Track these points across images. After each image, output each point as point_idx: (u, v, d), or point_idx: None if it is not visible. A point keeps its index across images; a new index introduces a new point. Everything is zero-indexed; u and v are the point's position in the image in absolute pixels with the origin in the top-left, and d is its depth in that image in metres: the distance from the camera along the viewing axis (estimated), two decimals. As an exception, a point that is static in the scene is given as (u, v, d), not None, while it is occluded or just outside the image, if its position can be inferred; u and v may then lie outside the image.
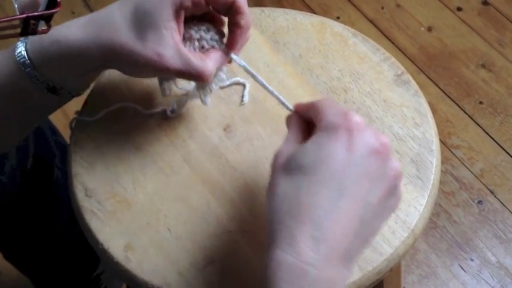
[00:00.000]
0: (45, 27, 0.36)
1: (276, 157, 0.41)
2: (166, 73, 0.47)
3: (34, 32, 0.38)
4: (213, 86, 0.51)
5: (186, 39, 0.48)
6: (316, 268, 0.35)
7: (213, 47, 0.49)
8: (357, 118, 0.39)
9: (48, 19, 0.37)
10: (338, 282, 0.36)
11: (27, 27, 0.36)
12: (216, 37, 0.49)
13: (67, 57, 0.46)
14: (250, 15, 0.48)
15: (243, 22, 0.47)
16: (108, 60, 0.46)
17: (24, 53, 0.46)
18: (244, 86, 0.56)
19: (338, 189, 0.37)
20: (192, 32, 0.48)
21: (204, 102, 0.52)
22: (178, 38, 0.46)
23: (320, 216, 0.36)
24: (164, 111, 0.54)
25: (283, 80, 0.57)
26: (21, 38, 0.47)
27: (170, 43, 0.45)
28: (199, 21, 0.49)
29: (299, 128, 0.43)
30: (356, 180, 0.37)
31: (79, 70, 0.48)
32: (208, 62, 0.47)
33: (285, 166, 0.39)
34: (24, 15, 0.41)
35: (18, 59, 0.45)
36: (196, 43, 0.48)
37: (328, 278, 0.35)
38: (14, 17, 0.43)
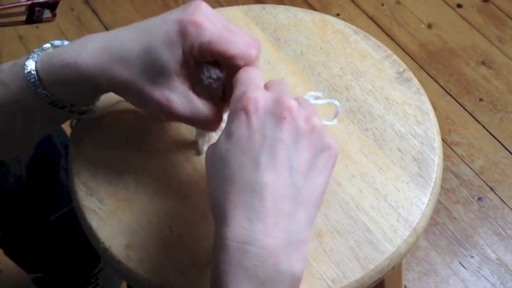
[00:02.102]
0: (50, 16, 0.36)
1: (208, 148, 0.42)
2: (174, 118, 0.46)
3: (39, 20, 0.38)
4: (213, 135, 0.51)
5: (197, 82, 0.46)
6: (255, 245, 0.36)
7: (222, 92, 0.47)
8: (254, 95, 0.39)
9: (53, 7, 0.36)
10: (285, 252, 0.36)
11: (33, 15, 0.36)
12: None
13: (77, 83, 0.45)
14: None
15: None
16: (117, 92, 0.47)
17: (34, 73, 0.45)
18: None
19: (253, 166, 0.37)
20: (203, 77, 0.46)
21: (200, 151, 0.52)
22: (188, 85, 0.45)
23: (248, 197, 0.37)
24: None
25: (284, 78, 0.57)
26: (30, 55, 0.46)
27: (180, 89, 0.44)
28: (212, 64, 0.47)
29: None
30: (269, 151, 0.38)
31: (89, 94, 0.48)
32: (219, 113, 0.47)
33: (210, 160, 0.41)
34: (29, 2, 0.41)
35: (28, 78, 0.45)
36: (205, 88, 0.47)
37: (271, 250, 0.36)
38: (19, 4, 0.42)
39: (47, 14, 0.38)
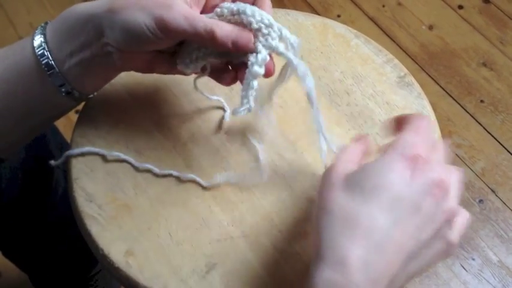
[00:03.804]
0: None
1: (331, 172, 0.40)
2: (170, 32, 0.44)
3: None
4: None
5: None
6: None
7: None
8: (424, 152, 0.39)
9: None
10: None
11: None
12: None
13: (77, 21, 0.46)
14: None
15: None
16: (113, 12, 0.44)
17: (44, 44, 0.46)
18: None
19: (394, 218, 0.37)
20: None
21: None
22: (189, 8, 0.45)
23: (375, 241, 0.36)
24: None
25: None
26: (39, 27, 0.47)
27: (179, 4, 0.44)
28: None
29: (360, 149, 0.43)
30: (409, 213, 0.37)
31: (84, 37, 0.46)
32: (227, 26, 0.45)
33: (345, 184, 0.38)
34: None
35: (37, 50, 0.46)
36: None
37: None
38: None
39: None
